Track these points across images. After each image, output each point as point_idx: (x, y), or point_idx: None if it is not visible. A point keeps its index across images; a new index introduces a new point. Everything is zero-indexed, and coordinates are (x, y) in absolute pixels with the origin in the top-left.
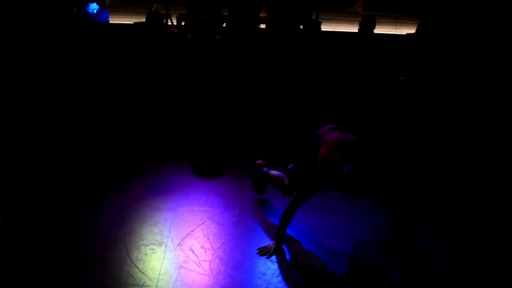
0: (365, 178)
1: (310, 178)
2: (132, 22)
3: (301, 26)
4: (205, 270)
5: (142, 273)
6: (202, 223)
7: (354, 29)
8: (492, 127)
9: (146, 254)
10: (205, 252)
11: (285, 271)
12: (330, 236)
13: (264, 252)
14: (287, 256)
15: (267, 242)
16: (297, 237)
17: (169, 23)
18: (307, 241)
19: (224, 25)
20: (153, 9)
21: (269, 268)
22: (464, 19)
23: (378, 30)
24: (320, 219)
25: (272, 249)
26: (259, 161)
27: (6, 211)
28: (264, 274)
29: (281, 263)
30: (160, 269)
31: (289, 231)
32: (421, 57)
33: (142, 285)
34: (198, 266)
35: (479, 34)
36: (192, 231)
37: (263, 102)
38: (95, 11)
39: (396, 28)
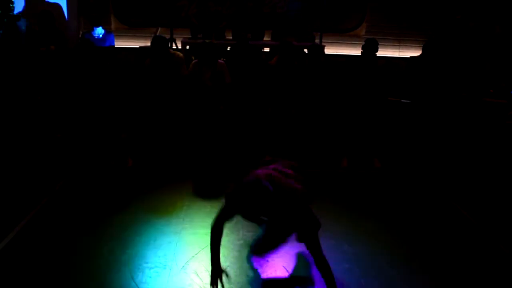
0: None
1: None
2: (137, 46)
3: (305, 50)
4: None
5: None
6: (207, 246)
7: (357, 52)
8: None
9: (150, 277)
10: (210, 275)
11: None
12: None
13: None
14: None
15: (272, 265)
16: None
17: (174, 47)
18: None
19: (228, 49)
20: (158, 33)
21: None
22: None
23: (381, 53)
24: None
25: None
26: None
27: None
28: None
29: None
30: None
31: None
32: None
33: None
34: None
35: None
36: (196, 254)
37: (267, 124)
38: (100, 36)
39: (399, 51)
